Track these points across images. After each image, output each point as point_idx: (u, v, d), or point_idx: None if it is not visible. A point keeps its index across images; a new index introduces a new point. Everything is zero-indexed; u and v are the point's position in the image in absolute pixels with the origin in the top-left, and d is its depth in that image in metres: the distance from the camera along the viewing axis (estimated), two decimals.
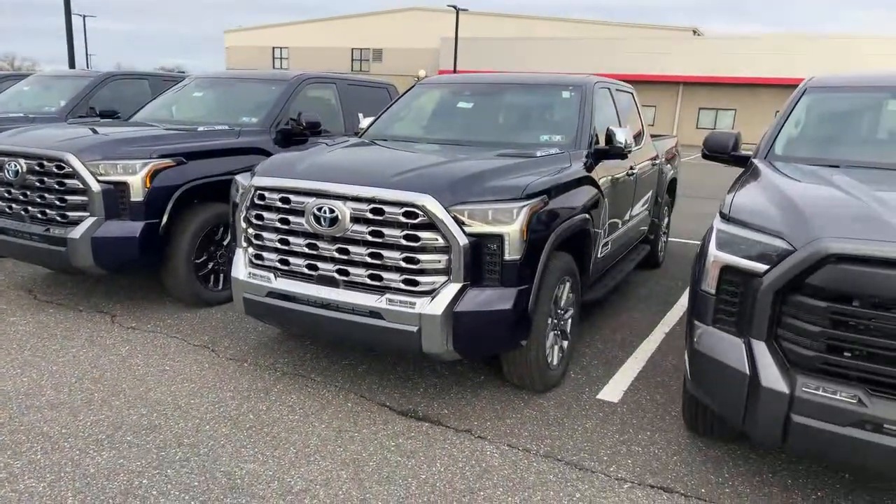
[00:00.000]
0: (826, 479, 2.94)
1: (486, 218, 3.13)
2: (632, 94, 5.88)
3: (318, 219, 3.26)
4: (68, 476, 2.74)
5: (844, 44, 31.48)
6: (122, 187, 4.40)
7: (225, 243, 4.99)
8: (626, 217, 5.08)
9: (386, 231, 3.16)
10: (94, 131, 4.87)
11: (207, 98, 6.28)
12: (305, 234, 3.37)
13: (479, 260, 3.15)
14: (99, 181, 4.36)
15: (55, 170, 4.42)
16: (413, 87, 5.39)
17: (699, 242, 2.82)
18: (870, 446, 2.25)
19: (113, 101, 7.13)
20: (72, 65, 20.13)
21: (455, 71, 34.92)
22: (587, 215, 3.83)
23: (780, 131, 3.83)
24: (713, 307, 2.65)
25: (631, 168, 4.95)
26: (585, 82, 4.71)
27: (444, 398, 3.59)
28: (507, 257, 3.15)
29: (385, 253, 3.18)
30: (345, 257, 3.28)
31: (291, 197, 3.37)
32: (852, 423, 2.27)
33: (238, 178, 3.80)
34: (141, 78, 7.76)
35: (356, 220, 3.22)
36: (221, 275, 5.00)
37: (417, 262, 3.14)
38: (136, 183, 4.40)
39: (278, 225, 3.43)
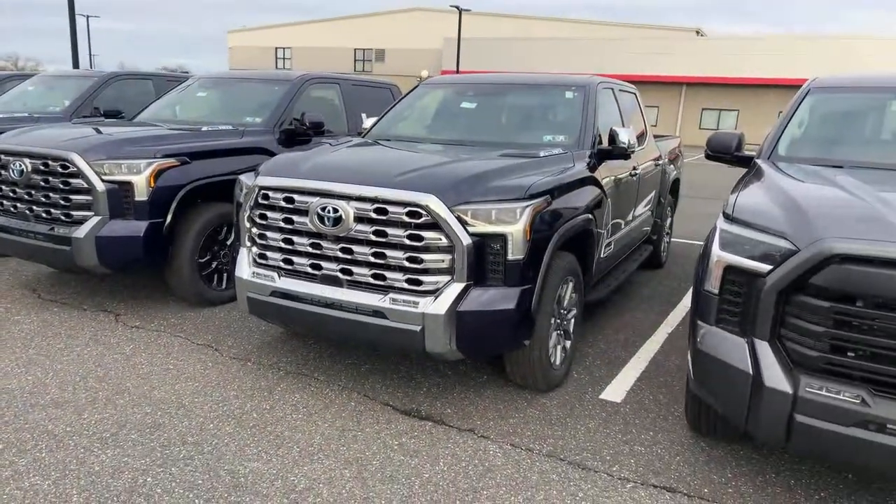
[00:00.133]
0: (829, 480, 2.94)
1: (489, 218, 3.14)
2: (635, 94, 5.88)
3: (321, 218, 3.27)
4: (73, 474, 2.75)
5: (847, 45, 31.44)
6: (127, 187, 4.41)
7: (228, 243, 5.01)
8: (629, 217, 5.08)
9: (389, 231, 3.17)
10: (99, 131, 4.89)
11: (211, 98, 6.30)
12: (309, 234, 3.38)
13: (483, 260, 3.16)
14: (103, 181, 4.37)
15: (60, 169, 4.44)
16: (416, 87, 5.40)
17: (702, 243, 2.82)
18: (873, 446, 2.25)
19: (117, 101, 7.15)
20: (76, 65, 20.18)
21: (458, 71, 34.94)
22: (590, 215, 3.84)
23: (783, 132, 3.83)
24: (716, 307, 2.65)
25: (634, 168, 4.95)
26: (589, 83, 4.72)
27: (447, 398, 3.60)
28: (510, 257, 3.16)
29: (388, 252, 3.19)
30: (348, 257, 3.29)
31: (295, 196, 3.38)
32: (855, 423, 2.28)
33: (242, 177, 3.81)
34: (145, 78, 7.78)
35: (360, 219, 3.23)
36: (225, 274, 5.02)
37: (421, 261, 3.15)
38: (141, 182, 4.42)
39: (282, 224, 3.44)
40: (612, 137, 4.24)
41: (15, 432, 3.06)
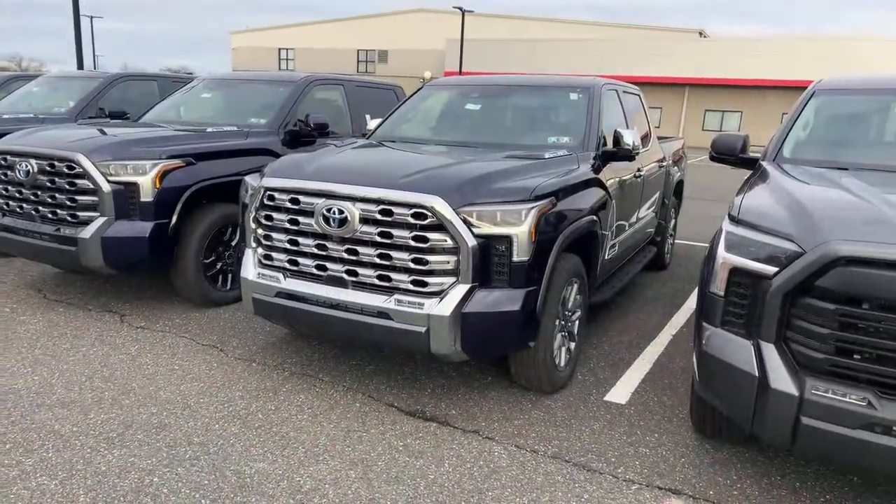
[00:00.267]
0: (834, 482, 2.94)
1: (494, 219, 3.14)
2: (639, 95, 5.88)
3: (327, 219, 3.28)
4: (80, 474, 2.76)
5: (850, 46, 31.37)
6: (133, 188, 4.43)
7: (233, 244, 5.02)
8: (633, 219, 5.08)
9: (395, 232, 3.18)
10: (105, 132, 4.90)
11: (216, 99, 6.32)
12: (315, 235, 3.39)
13: (488, 261, 3.16)
14: (109, 181, 4.39)
15: (66, 170, 4.46)
16: (421, 88, 5.41)
17: (706, 245, 2.84)
18: (879, 449, 2.25)
19: (122, 102, 7.18)
20: (80, 66, 20.25)
21: (461, 72, 34.96)
22: (595, 217, 3.84)
23: (788, 134, 3.83)
24: (722, 309, 2.65)
25: (638, 170, 4.95)
26: (593, 84, 4.72)
27: (451, 399, 3.61)
28: (515, 259, 3.17)
29: (394, 254, 3.20)
30: (354, 258, 3.30)
31: (301, 198, 3.39)
32: (862, 425, 2.28)
33: (247, 178, 3.82)
34: (150, 79, 7.80)
35: (365, 220, 3.23)
36: (229, 275, 5.03)
37: (426, 262, 3.15)
38: (146, 183, 4.44)
39: (287, 226, 3.45)
40: (617, 139, 4.25)
41: (21, 432, 3.07)
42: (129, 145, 4.56)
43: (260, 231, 3.60)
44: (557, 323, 3.59)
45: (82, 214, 4.47)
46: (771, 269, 2.45)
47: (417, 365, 4.02)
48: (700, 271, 3.00)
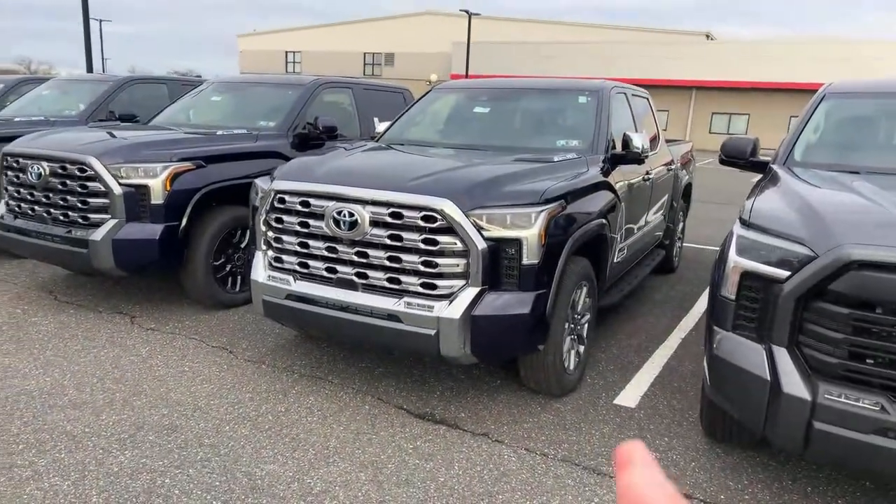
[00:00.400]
0: (846, 487, 2.92)
1: (504, 222, 3.15)
2: (647, 99, 5.87)
3: (337, 222, 3.30)
4: (92, 475, 2.78)
5: (858, 48, 31.22)
6: (143, 190, 4.46)
7: (242, 246, 5.04)
8: (642, 222, 5.07)
9: (404, 235, 3.19)
10: (116, 135, 4.94)
11: (225, 102, 6.35)
12: (325, 238, 3.40)
13: (497, 264, 3.17)
14: (120, 184, 4.42)
15: (77, 173, 4.49)
16: (429, 91, 5.42)
17: (714, 248, 2.83)
18: (892, 454, 2.24)
19: (131, 105, 7.21)
20: (89, 69, 20.38)
21: (467, 75, 34.99)
22: (604, 220, 3.84)
23: (798, 137, 3.82)
24: (733, 313, 2.65)
25: (647, 173, 4.94)
26: (602, 87, 4.72)
27: (460, 402, 3.61)
28: (525, 261, 3.17)
29: (403, 256, 3.21)
30: (364, 260, 3.31)
31: (311, 200, 3.41)
32: (875, 430, 2.27)
33: (258, 181, 3.84)
34: (159, 82, 7.85)
35: (375, 223, 3.25)
36: (239, 277, 5.05)
37: (436, 265, 3.16)
38: (157, 186, 4.46)
39: (298, 228, 3.47)
40: (626, 142, 4.24)
41: (34, 433, 3.10)
42: (140, 148, 4.59)
43: (270, 234, 3.62)
44: (567, 326, 3.59)
45: (93, 216, 4.51)
46: (783, 273, 2.44)
47: (426, 367, 4.03)
48: (711, 275, 3.00)
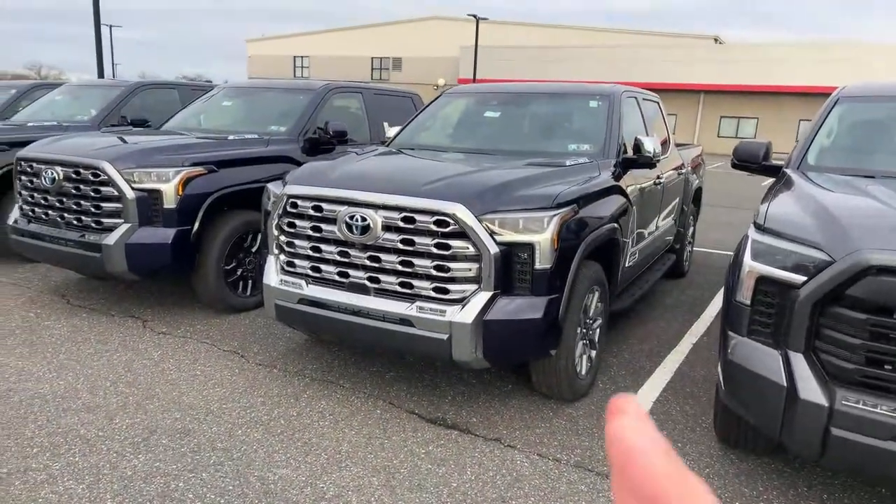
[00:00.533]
0: (862, 494, 2.89)
1: (517, 227, 3.15)
2: (657, 103, 5.87)
3: (349, 227, 3.30)
4: (106, 478, 2.79)
5: (869, 52, 31.05)
6: (156, 195, 4.48)
7: (253, 250, 5.06)
8: (653, 226, 5.05)
9: (417, 239, 3.19)
10: (129, 140, 4.97)
11: (236, 107, 6.39)
12: (337, 242, 3.41)
13: (510, 269, 3.16)
14: (133, 188, 4.45)
15: (91, 177, 4.52)
16: (440, 96, 5.43)
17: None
18: None
19: (143, 110, 7.27)
20: (101, 74, 20.56)
21: (474, 79, 35.02)
22: (616, 224, 3.83)
23: (812, 141, 3.80)
24: (748, 318, 2.63)
25: (658, 177, 4.93)
26: (613, 91, 4.72)
27: (472, 406, 3.60)
28: (537, 266, 3.16)
29: (416, 261, 3.21)
30: (376, 265, 3.31)
31: (324, 205, 3.42)
32: (893, 436, 2.25)
33: (270, 186, 3.85)
34: (170, 87, 7.90)
35: (387, 228, 3.25)
36: (250, 281, 5.07)
37: (448, 270, 3.16)
38: (170, 190, 4.49)
39: (310, 233, 3.48)
40: (637, 146, 4.23)
41: (48, 436, 3.11)
42: (153, 153, 4.62)
43: (283, 238, 3.63)
44: (579, 331, 3.58)
45: (107, 221, 4.53)
46: (799, 278, 2.43)
47: (437, 372, 4.02)
48: (725, 279, 2.98)
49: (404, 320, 3.23)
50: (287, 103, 6.00)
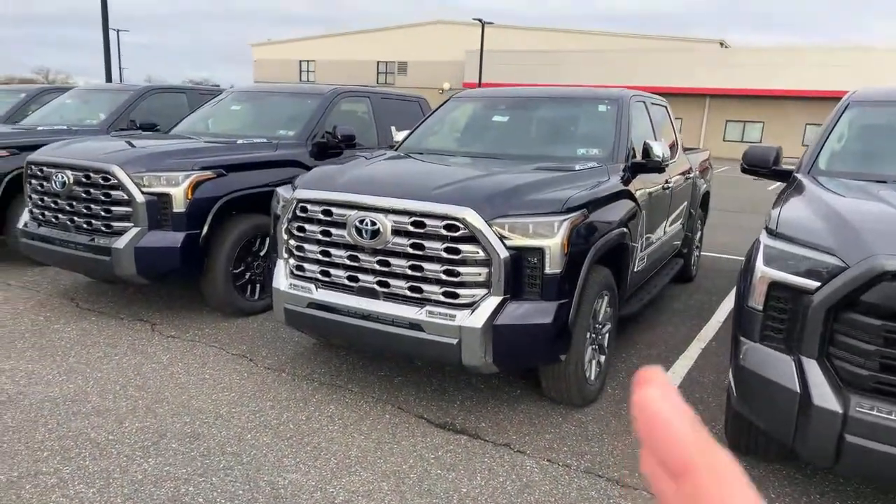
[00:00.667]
0: (875, 501, 2.87)
1: (526, 231, 3.14)
2: (665, 107, 5.86)
3: (359, 231, 3.30)
4: (117, 482, 2.79)
5: (872, 57, 30.95)
6: (165, 198, 4.50)
7: (262, 254, 5.07)
8: (662, 231, 5.04)
9: (427, 244, 3.19)
10: (138, 144, 4.99)
11: (245, 111, 6.41)
12: (347, 246, 3.41)
13: (520, 273, 3.16)
14: (143, 192, 4.47)
15: (101, 181, 4.54)
16: (448, 100, 5.44)
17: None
18: None
19: (151, 115, 7.30)
20: (108, 78, 20.67)
21: (480, 84, 35.06)
22: (625, 229, 3.82)
23: (823, 146, 3.78)
24: (761, 323, 2.62)
25: (666, 182, 4.92)
26: (622, 96, 4.71)
27: (480, 411, 3.59)
28: (547, 271, 3.16)
29: (425, 265, 3.21)
30: (385, 269, 3.31)
31: (333, 209, 3.42)
32: None
33: (279, 190, 3.86)
34: (179, 91, 7.94)
35: (397, 232, 3.25)
36: (258, 285, 5.07)
37: (458, 274, 3.16)
38: (179, 194, 4.50)
39: (320, 237, 3.48)
40: (647, 151, 4.23)
41: (59, 440, 3.12)
42: (163, 157, 4.64)
43: (292, 242, 3.63)
44: (588, 336, 3.56)
45: (116, 225, 4.55)
46: (812, 284, 2.41)
47: (445, 376, 4.02)
48: (736, 284, 2.97)
49: (414, 325, 3.23)
50: (295, 107, 6.01)
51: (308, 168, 4.93)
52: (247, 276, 5.00)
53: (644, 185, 4.37)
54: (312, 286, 3.54)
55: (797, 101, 33.05)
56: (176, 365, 4.06)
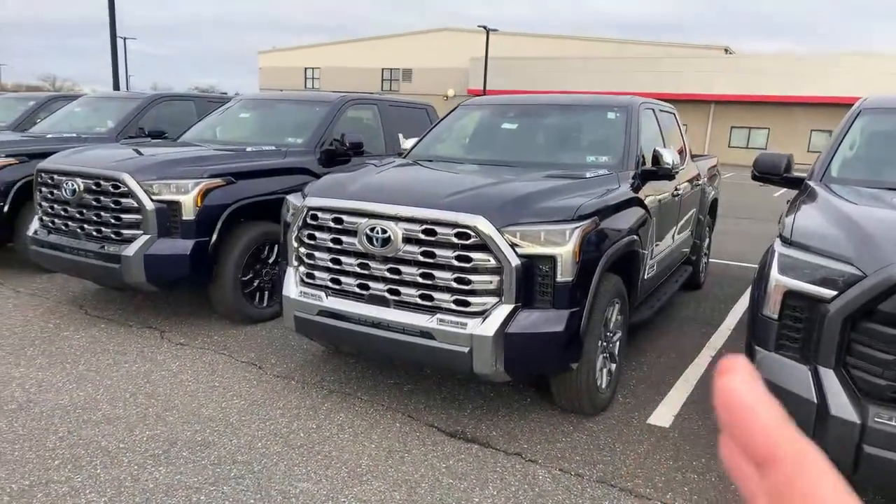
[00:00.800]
0: None
1: (538, 239, 3.13)
2: (674, 114, 5.85)
3: (370, 239, 3.30)
4: (128, 491, 2.78)
5: (876, 62, 30.88)
6: (175, 206, 4.51)
7: (270, 261, 5.07)
8: (671, 238, 5.02)
9: (438, 251, 3.18)
10: (148, 152, 5.01)
11: (253, 119, 6.43)
12: (357, 254, 3.41)
13: (531, 281, 3.15)
14: (153, 200, 4.48)
15: (111, 189, 4.56)
16: (455, 108, 5.44)
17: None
18: None
19: (160, 122, 7.33)
20: (116, 86, 20.80)
21: (484, 91, 35.12)
22: (636, 236, 3.81)
23: (835, 153, 3.77)
24: (776, 333, 2.60)
25: (676, 189, 4.91)
26: (631, 103, 4.71)
27: (491, 420, 3.57)
28: (559, 279, 3.14)
29: (436, 273, 3.20)
30: (396, 277, 3.31)
31: (344, 217, 3.42)
32: None
33: (290, 198, 3.86)
34: (187, 99, 7.97)
35: (408, 240, 3.24)
36: (266, 292, 5.07)
37: (469, 282, 3.15)
38: (188, 202, 4.51)
39: (330, 245, 3.48)
40: (657, 158, 4.22)
41: (70, 448, 3.11)
42: (173, 165, 4.65)
43: (302, 250, 3.63)
44: (599, 344, 3.55)
45: (126, 232, 4.56)
46: (829, 293, 2.40)
47: (455, 384, 4.00)
48: (750, 293, 2.95)
49: (425, 333, 3.22)
50: (304, 115, 6.03)
51: (317, 176, 4.94)
52: (255, 284, 5.00)
53: (654, 193, 4.35)
54: (322, 294, 3.54)
55: (803, 107, 33.00)
56: (185, 372, 4.06)
